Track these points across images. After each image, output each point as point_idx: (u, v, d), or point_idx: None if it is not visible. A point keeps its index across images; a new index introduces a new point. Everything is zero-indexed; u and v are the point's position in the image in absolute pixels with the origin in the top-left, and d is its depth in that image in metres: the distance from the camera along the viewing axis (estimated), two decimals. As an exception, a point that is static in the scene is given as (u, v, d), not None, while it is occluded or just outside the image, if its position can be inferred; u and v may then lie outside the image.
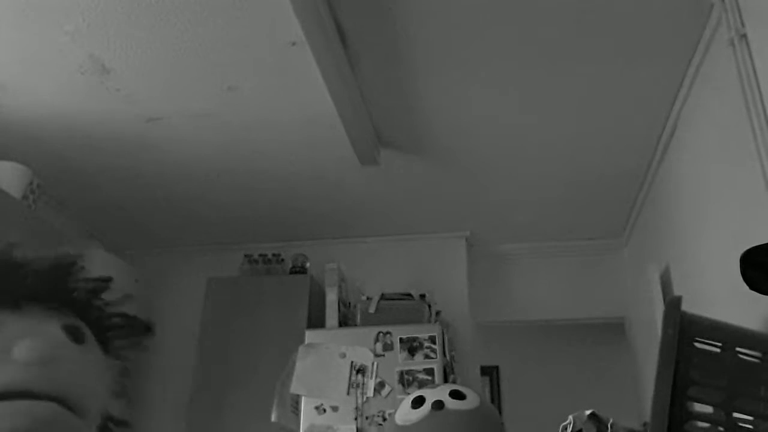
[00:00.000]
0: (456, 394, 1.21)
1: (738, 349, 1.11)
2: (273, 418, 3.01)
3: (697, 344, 1.11)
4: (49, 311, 0.74)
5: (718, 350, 1.11)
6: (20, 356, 0.67)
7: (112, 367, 0.83)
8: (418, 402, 1.22)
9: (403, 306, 3.22)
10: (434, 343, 2.98)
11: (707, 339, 1.11)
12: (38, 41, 2.22)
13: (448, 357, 3.03)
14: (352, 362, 2.97)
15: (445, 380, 2.93)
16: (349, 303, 3.36)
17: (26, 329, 0.71)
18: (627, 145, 3.05)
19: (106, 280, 0.86)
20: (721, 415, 1.10)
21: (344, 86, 2.47)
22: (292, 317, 3.37)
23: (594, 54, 2.43)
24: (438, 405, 1.18)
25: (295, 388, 2.97)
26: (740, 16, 2.02)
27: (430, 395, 1.21)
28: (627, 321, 3.96)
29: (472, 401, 1.21)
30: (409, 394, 2.86)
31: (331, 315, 3.20)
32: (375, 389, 2.90)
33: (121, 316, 0.85)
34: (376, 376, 2.93)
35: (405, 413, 1.23)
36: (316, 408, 2.91)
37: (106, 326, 0.82)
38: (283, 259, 3.73)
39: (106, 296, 0.85)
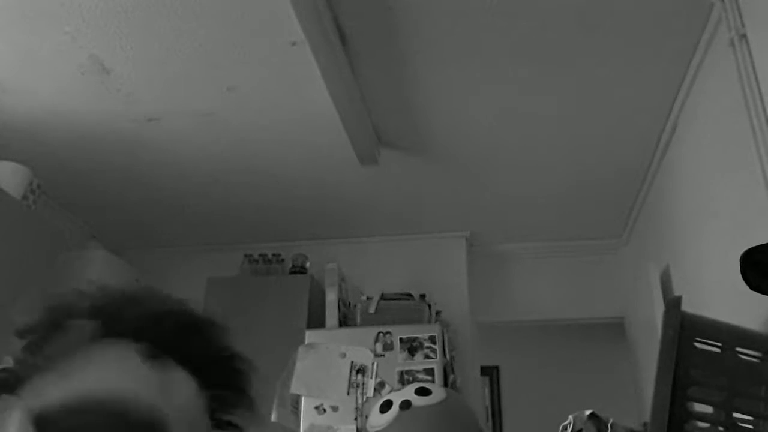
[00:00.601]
0: (422, 391, 1.22)
1: (738, 349, 1.11)
2: (273, 418, 3.01)
3: (697, 344, 1.11)
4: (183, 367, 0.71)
5: (718, 350, 1.11)
6: (179, 401, 0.64)
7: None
8: (386, 406, 1.23)
9: (403, 306, 3.22)
10: (434, 343, 2.98)
11: (707, 339, 1.11)
12: (38, 41, 2.22)
13: (448, 357, 3.03)
14: (352, 362, 2.97)
15: (445, 380, 2.93)
16: (349, 303, 3.36)
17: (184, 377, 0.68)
18: (627, 145, 3.05)
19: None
20: (721, 415, 1.10)
21: (344, 86, 2.47)
22: (292, 317, 3.37)
23: (594, 54, 2.43)
24: (405, 404, 1.19)
25: (295, 388, 2.97)
26: (740, 16, 2.02)
27: (397, 397, 1.22)
28: (627, 321, 3.96)
29: (437, 395, 1.22)
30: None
31: (331, 315, 3.20)
32: (375, 389, 2.90)
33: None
34: (376, 376, 2.93)
35: (375, 419, 1.24)
36: (316, 408, 2.91)
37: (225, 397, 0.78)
38: (283, 259, 3.73)
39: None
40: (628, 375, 4.04)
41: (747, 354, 1.11)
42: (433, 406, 1.19)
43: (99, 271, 3.14)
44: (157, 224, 3.76)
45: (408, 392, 1.23)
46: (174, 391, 0.64)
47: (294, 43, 2.22)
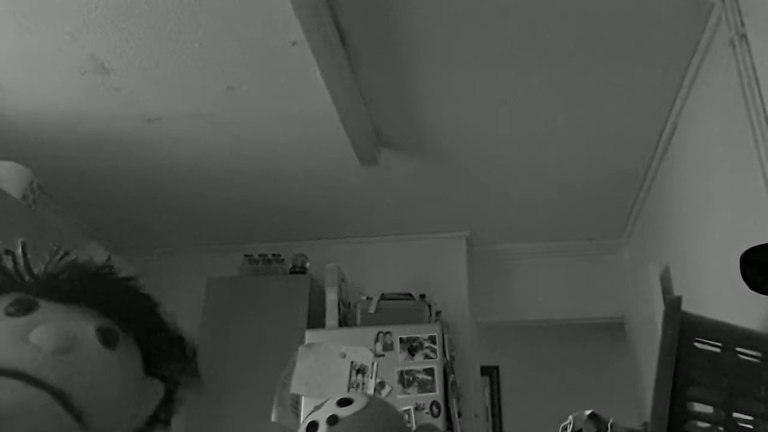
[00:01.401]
0: (343, 402, 1.21)
1: (738, 349, 1.11)
2: (273, 418, 3.01)
3: (697, 344, 1.11)
4: (90, 312, 0.73)
5: (718, 350, 1.11)
6: (35, 339, 0.66)
7: (151, 386, 0.80)
8: (312, 427, 1.20)
9: (403, 306, 3.22)
10: (434, 343, 2.98)
11: (707, 339, 1.11)
12: (38, 41, 2.22)
13: (448, 357, 3.03)
14: (352, 362, 2.97)
15: (445, 380, 2.93)
16: (349, 303, 3.36)
17: (57, 319, 0.70)
18: (627, 145, 3.05)
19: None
20: (721, 415, 1.10)
21: (344, 86, 2.47)
22: (292, 317, 3.37)
23: (594, 54, 2.43)
24: (332, 420, 1.16)
25: (295, 388, 2.97)
26: (740, 16, 2.02)
27: (321, 415, 1.19)
28: (627, 321, 3.96)
29: (360, 401, 1.21)
30: (409, 394, 2.88)
31: (331, 315, 3.20)
32: (375, 389, 2.90)
33: (170, 336, 0.82)
34: (376, 376, 2.93)
35: None
36: (316, 408, 2.90)
37: (153, 342, 0.80)
38: (283, 259, 3.73)
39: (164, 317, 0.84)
40: (628, 375, 4.04)
41: (747, 354, 1.11)
42: (360, 413, 1.18)
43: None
44: (157, 224, 3.76)
45: (330, 407, 1.21)
46: (34, 333, 0.67)
47: (294, 43, 2.22)
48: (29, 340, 0.66)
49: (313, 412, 1.22)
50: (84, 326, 0.72)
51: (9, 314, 0.69)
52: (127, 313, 0.78)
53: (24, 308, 0.69)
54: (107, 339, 0.73)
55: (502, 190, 3.48)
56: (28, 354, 0.65)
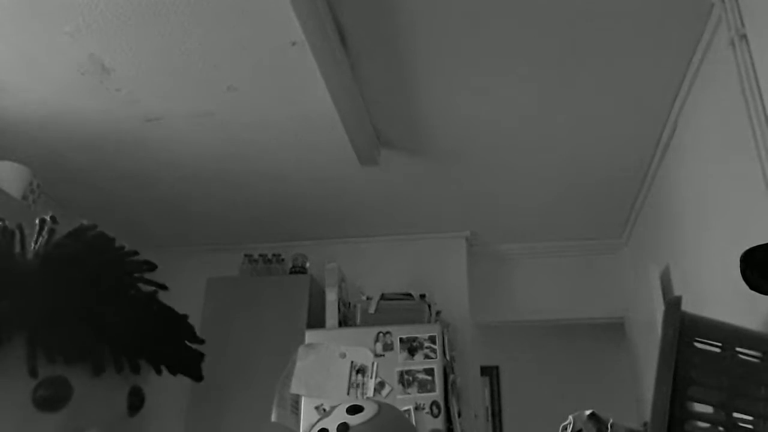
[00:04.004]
0: (354, 410, 1.20)
1: (738, 349, 1.11)
2: (273, 418, 3.01)
3: (697, 344, 1.11)
4: (121, 376, 0.70)
5: (718, 350, 1.11)
6: None
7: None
8: None
9: (403, 306, 3.22)
10: (434, 343, 2.98)
11: (707, 339, 1.11)
12: (38, 41, 2.22)
13: (448, 357, 3.03)
14: (352, 362, 2.97)
15: (445, 381, 2.93)
16: (349, 303, 3.36)
17: (97, 408, 0.67)
18: (627, 145, 3.05)
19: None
20: (721, 415, 1.10)
21: (344, 86, 2.47)
22: (292, 317, 3.37)
23: (594, 54, 2.43)
24: (343, 428, 1.16)
25: (295, 388, 2.97)
26: (740, 16, 2.02)
27: (331, 422, 1.19)
28: (627, 321, 3.96)
29: (370, 409, 1.20)
30: (409, 394, 2.87)
31: (331, 315, 3.20)
32: (375, 389, 2.90)
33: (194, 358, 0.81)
34: (376, 376, 2.93)
35: None
36: (316, 408, 2.91)
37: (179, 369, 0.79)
38: (283, 259, 3.73)
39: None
40: (628, 375, 4.04)
41: (747, 354, 1.11)
42: (370, 421, 1.18)
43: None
44: (157, 224, 3.76)
45: (340, 414, 1.20)
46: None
47: (294, 43, 2.22)
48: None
49: (322, 418, 1.22)
50: (119, 401, 0.69)
51: (41, 406, 0.64)
52: (160, 352, 0.75)
53: (58, 397, 0.65)
54: (134, 405, 0.72)
55: (503, 190, 3.48)
56: None
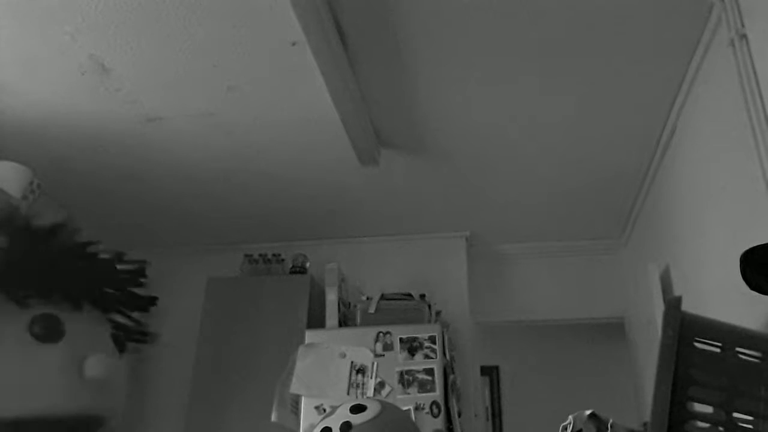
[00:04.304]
0: (357, 409, 1.21)
1: (738, 349, 1.11)
2: (273, 418, 3.01)
3: (697, 344, 1.11)
4: (102, 313, 0.74)
5: (718, 350, 1.11)
6: (92, 374, 0.66)
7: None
8: None
9: (403, 306, 3.22)
10: (434, 343, 2.98)
11: (707, 339, 1.11)
12: (38, 41, 2.22)
13: (448, 357, 3.03)
14: (352, 362, 2.97)
15: (445, 381, 2.93)
16: (349, 303, 3.36)
17: (91, 338, 0.70)
18: (627, 145, 3.05)
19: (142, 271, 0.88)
20: (721, 415, 1.10)
21: (344, 86, 2.47)
22: (292, 317, 3.37)
23: (594, 54, 2.43)
24: (346, 426, 1.16)
25: (295, 388, 2.97)
26: (740, 16, 2.02)
27: (334, 421, 1.19)
28: (627, 321, 3.96)
29: (373, 408, 1.20)
30: (409, 394, 2.88)
31: (331, 315, 3.20)
32: (375, 389, 2.90)
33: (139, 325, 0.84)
34: (376, 376, 2.93)
35: None
36: (316, 408, 2.91)
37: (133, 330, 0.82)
38: (283, 259, 3.73)
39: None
40: (628, 375, 4.04)
41: (747, 354, 1.11)
42: (373, 420, 1.18)
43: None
44: (157, 224, 3.76)
45: (343, 413, 1.21)
46: (90, 367, 0.70)
47: (294, 43, 2.22)
48: (87, 376, 0.67)
49: (325, 417, 1.22)
50: (106, 336, 0.73)
51: (41, 338, 0.68)
52: (118, 297, 0.80)
53: (52, 329, 0.69)
54: (121, 346, 0.75)
55: (502, 190, 3.48)
56: (93, 396, 0.66)
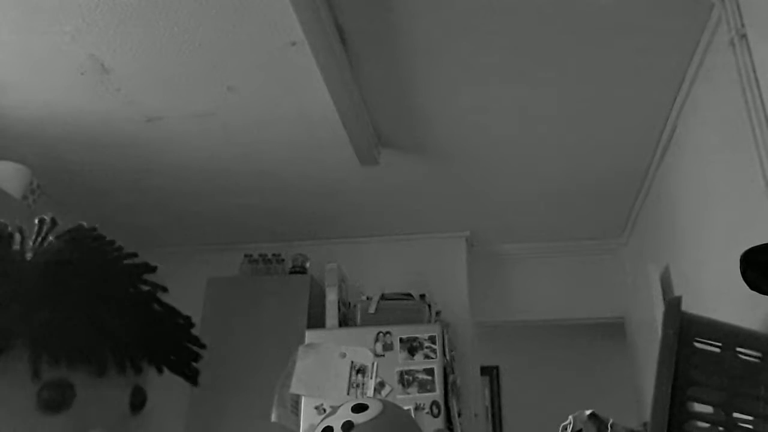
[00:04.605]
0: (358, 408, 1.21)
1: (738, 349, 1.11)
2: (273, 418, 3.01)
3: (697, 344, 1.11)
4: (122, 378, 0.70)
5: (718, 350, 1.11)
6: None
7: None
8: None
9: (403, 306, 3.22)
10: (434, 343, 2.98)
11: (707, 339, 1.11)
12: (38, 41, 2.22)
13: (448, 357, 3.03)
14: (352, 362, 2.97)
15: (445, 381, 2.93)
16: (349, 303, 3.36)
17: (101, 409, 0.67)
18: (627, 145, 3.05)
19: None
20: (721, 415, 1.10)
21: (344, 86, 2.47)
22: (292, 317, 3.37)
23: (594, 54, 2.43)
24: (348, 426, 1.16)
25: (295, 388, 2.97)
26: (740, 16, 2.02)
27: (335, 420, 1.19)
28: (627, 321, 3.96)
29: (375, 408, 1.20)
30: (409, 394, 2.87)
31: (331, 315, 3.20)
32: (375, 389, 2.90)
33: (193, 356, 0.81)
34: (376, 376, 2.93)
35: None
36: (316, 408, 2.91)
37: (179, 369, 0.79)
38: (283, 259, 3.73)
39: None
40: (628, 375, 4.04)
41: (747, 354, 1.11)
42: (375, 420, 1.18)
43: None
44: (157, 224, 3.76)
45: (344, 412, 1.21)
46: None
47: (294, 43, 2.22)
48: None
49: (326, 417, 1.22)
50: (121, 400, 0.70)
51: (44, 409, 0.65)
52: (161, 353, 0.75)
53: (61, 400, 0.65)
54: (135, 405, 0.72)
55: (503, 190, 3.48)
56: None
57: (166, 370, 0.80)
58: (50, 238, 0.74)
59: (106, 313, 0.69)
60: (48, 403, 0.64)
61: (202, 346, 0.82)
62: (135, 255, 0.76)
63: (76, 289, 0.69)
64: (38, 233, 0.75)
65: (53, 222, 0.76)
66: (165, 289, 0.81)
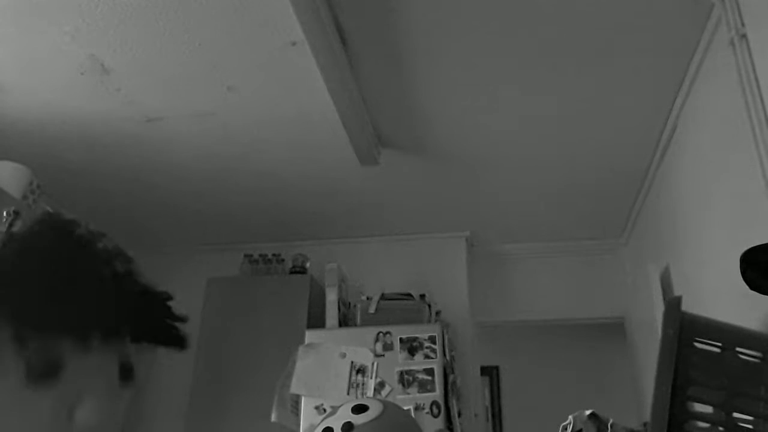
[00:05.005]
0: (359, 409, 1.20)
1: (738, 349, 1.11)
2: (273, 418, 3.01)
3: (697, 344, 1.11)
4: (114, 345, 0.72)
5: (718, 350, 1.11)
6: (82, 422, 0.65)
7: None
8: None
9: (403, 306, 3.22)
10: (434, 343, 2.98)
11: (707, 339, 1.11)
12: (38, 41, 2.22)
13: (448, 357, 3.03)
14: (352, 362, 2.97)
15: (445, 381, 2.93)
16: (349, 303, 3.36)
17: (89, 379, 0.68)
18: (627, 145, 3.05)
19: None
20: (721, 415, 1.10)
21: (344, 86, 2.47)
22: (292, 317, 3.37)
23: (594, 54, 2.43)
24: (348, 427, 1.16)
25: (295, 388, 2.97)
26: (740, 16, 2.02)
27: (336, 421, 1.19)
28: (627, 321, 3.96)
29: (375, 408, 1.20)
30: (409, 394, 2.87)
31: (331, 315, 3.20)
32: (375, 389, 2.90)
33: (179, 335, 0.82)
34: (376, 376, 2.93)
35: None
36: (316, 408, 2.91)
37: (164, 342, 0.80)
38: (283, 259, 3.73)
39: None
40: (628, 375, 4.04)
41: (747, 354, 1.11)
42: (375, 421, 1.18)
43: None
44: (157, 224, 3.76)
45: (344, 413, 1.20)
46: (80, 415, 0.68)
47: (294, 43, 2.22)
48: (77, 424, 0.65)
49: (326, 417, 1.22)
50: (111, 372, 0.71)
51: (34, 382, 0.66)
52: (143, 325, 0.76)
53: (49, 373, 0.66)
54: (125, 376, 0.73)
55: (503, 190, 3.48)
56: None
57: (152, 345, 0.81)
58: (19, 225, 0.77)
59: (83, 289, 0.71)
60: (35, 374, 0.65)
61: (183, 320, 0.83)
62: (104, 235, 0.77)
63: (49, 267, 0.71)
64: (6, 222, 0.78)
65: (16, 213, 0.79)
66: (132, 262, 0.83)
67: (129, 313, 0.76)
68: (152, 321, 0.80)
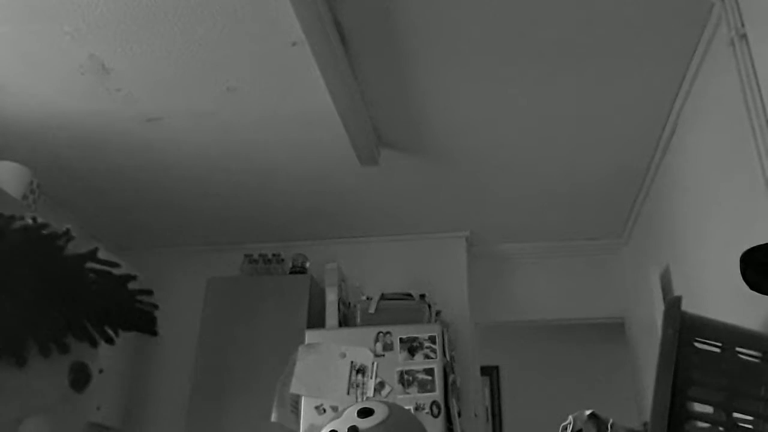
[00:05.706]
0: (364, 412, 1.20)
1: (738, 349, 1.11)
2: (273, 418, 3.01)
3: (697, 344, 1.11)
4: (59, 352, 0.68)
5: (718, 350, 1.11)
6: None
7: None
8: None
9: (403, 306, 3.22)
10: (434, 343, 2.98)
11: (707, 339, 1.11)
12: (38, 41, 2.22)
13: (448, 357, 3.03)
14: (352, 362, 2.97)
15: (445, 381, 2.93)
16: (349, 303, 3.36)
17: (34, 392, 0.66)
18: (627, 145, 3.05)
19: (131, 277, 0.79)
20: (721, 415, 1.10)
21: (344, 86, 2.47)
22: (292, 317, 3.37)
23: (594, 54, 2.43)
24: (352, 431, 1.16)
25: (295, 388, 2.97)
26: (740, 16, 2.02)
27: (341, 424, 1.19)
28: (627, 321, 3.96)
29: (381, 412, 1.20)
30: (409, 394, 2.87)
31: (331, 315, 3.20)
32: (375, 389, 2.90)
33: (147, 316, 0.79)
34: (376, 376, 2.93)
35: None
36: (316, 408, 2.91)
37: (128, 326, 0.77)
38: (283, 259, 3.73)
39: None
40: (628, 375, 4.04)
41: (747, 354, 1.11)
42: (381, 425, 1.17)
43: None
44: (157, 224, 3.76)
45: (350, 417, 1.20)
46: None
47: (294, 43, 2.22)
48: None
49: (333, 419, 1.21)
50: (58, 381, 0.68)
51: None
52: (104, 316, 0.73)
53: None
54: (77, 380, 0.70)
55: (503, 190, 3.48)
56: None
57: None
58: None
59: (26, 292, 0.67)
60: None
61: (156, 306, 0.80)
62: (47, 225, 0.72)
63: None
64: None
65: None
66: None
67: (82, 305, 0.72)
68: (114, 306, 0.76)
